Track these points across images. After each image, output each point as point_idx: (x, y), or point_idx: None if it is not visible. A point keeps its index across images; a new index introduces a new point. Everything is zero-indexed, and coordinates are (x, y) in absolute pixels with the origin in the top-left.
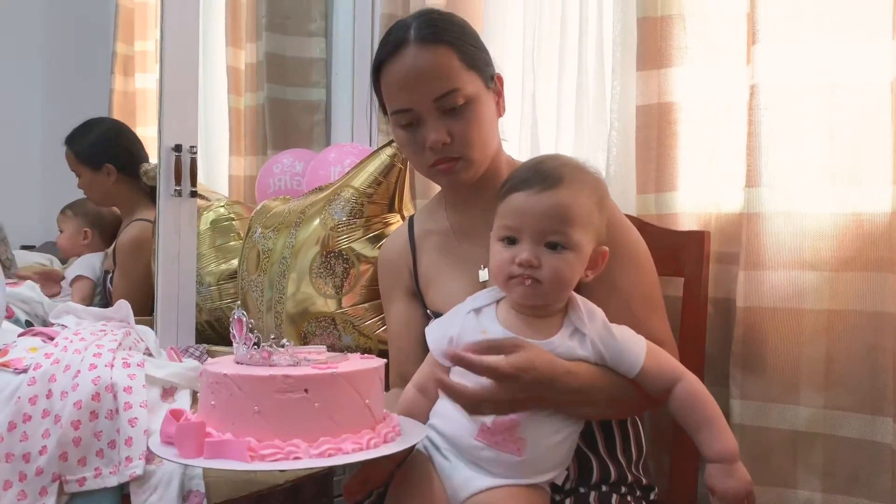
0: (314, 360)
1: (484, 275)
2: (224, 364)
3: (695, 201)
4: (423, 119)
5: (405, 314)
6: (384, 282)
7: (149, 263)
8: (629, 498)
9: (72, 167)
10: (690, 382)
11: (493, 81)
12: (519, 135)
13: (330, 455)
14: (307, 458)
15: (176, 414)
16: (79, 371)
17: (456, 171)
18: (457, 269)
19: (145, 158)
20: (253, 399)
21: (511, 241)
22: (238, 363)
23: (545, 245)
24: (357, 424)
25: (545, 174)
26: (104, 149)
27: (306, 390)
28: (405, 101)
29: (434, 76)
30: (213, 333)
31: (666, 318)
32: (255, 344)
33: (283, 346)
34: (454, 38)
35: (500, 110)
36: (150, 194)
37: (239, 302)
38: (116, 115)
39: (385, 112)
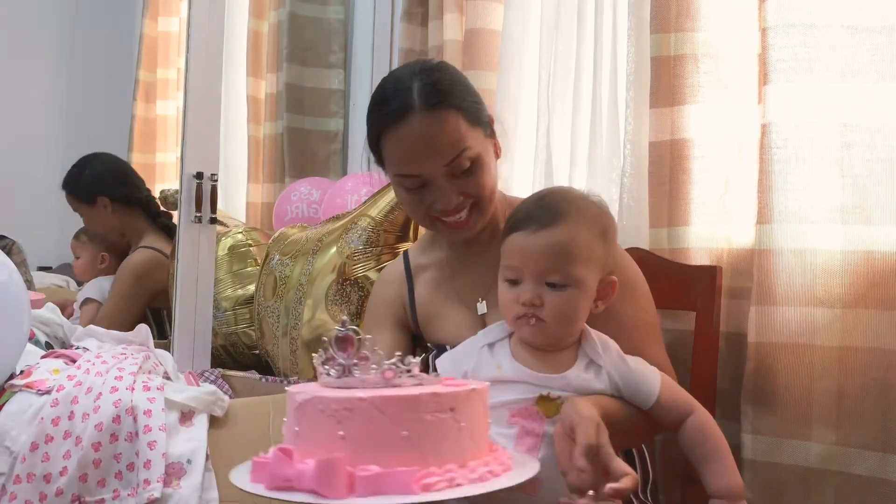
0: (423, 378)
1: (482, 307)
2: (328, 389)
3: (707, 236)
4: (432, 183)
5: (393, 344)
6: (375, 307)
7: (146, 290)
8: None
9: (73, 208)
10: (702, 415)
11: (489, 127)
12: (533, 169)
13: (484, 480)
14: (467, 483)
15: (286, 453)
16: (100, 393)
17: (469, 226)
18: (455, 303)
19: (142, 187)
20: (400, 423)
21: (515, 281)
22: (342, 387)
23: (547, 284)
24: (485, 445)
25: (543, 211)
26: (96, 183)
27: (452, 409)
28: (414, 169)
29: (444, 143)
30: (227, 358)
31: (663, 346)
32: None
33: (407, 365)
34: (458, 98)
35: (497, 152)
36: (154, 222)
37: (345, 318)
38: (137, 141)
39: (380, 164)
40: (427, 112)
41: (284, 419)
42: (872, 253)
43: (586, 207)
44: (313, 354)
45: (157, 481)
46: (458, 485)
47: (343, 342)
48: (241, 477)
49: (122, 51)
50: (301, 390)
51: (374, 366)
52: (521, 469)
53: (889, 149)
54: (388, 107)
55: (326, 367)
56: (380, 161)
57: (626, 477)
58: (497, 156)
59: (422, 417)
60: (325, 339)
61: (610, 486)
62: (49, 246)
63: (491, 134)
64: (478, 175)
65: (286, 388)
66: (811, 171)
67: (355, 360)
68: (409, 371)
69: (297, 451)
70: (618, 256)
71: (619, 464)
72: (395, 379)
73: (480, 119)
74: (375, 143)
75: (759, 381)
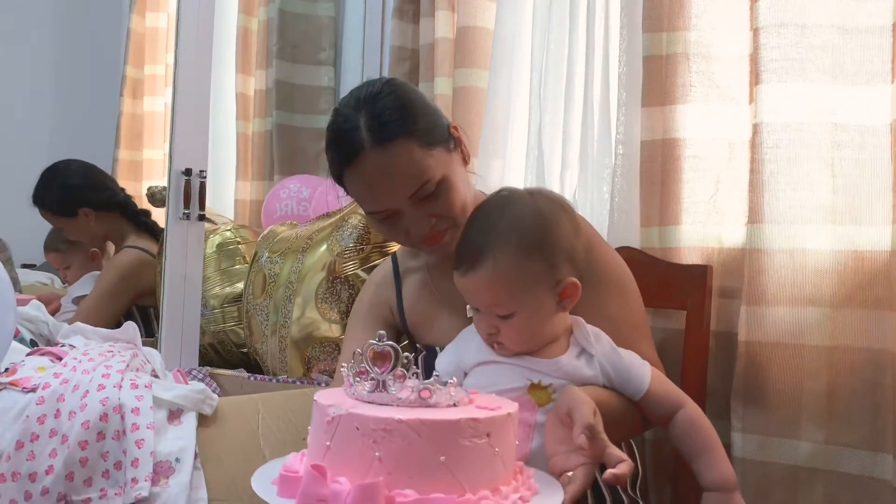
0: (458, 397)
1: (471, 310)
2: (365, 407)
3: (698, 236)
4: (401, 212)
5: None
6: (362, 308)
7: (129, 289)
8: None
9: (51, 222)
10: (692, 409)
11: (451, 139)
12: (525, 167)
13: None
14: None
15: (319, 470)
16: (87, 391)
17: (445, 242)
18: (444, 307)
19: (117, 189)
20: (438, 448)
21: (475, 308)
22: (374, 402)
23: (496, 315)
24: (514, 469)
25: (467, 250)
26: (74, 194)
27: (489, 434)
28: (378, 205)
29: (402, 176)
30: (215, 356)
31: (652, 342)
32: (407, 378)
33: (445, 385)
34: (409, 124)
35: (465, 160)
36: (136, 223)
37: (383, 332)
38: (124, 138)
39: (351, 197)
40: (378, 149)
41: (310, 427)
42: (862, 253)
43: (514, 226)
44: (343, 364)
45: (145, 480)
46: None
47: (380, 357)
48: (267, 490)
49: (109, 47)
50: (333, 403)
51: (410, 384)
52: (547, 492)
53: (879, 149)
54: (341, 148)
55: (359, 379)
56: (349, 194)
57: (623, 463)
58: (466, 163)
59: (459, 443)
60: (359, 350)
61: (610, 471)
62: (32, 243)
63: (455, 146)
64: (446, 196)
65: (315, 398)
66: (802, 172)
67: (391, 377)
68: (446, 388)
69: (328, 468)
70: (604, 254)
71: (614, 450)
72: (432, 398)
73: (438, 137)
74: (339, 181)
75: (750, 381)
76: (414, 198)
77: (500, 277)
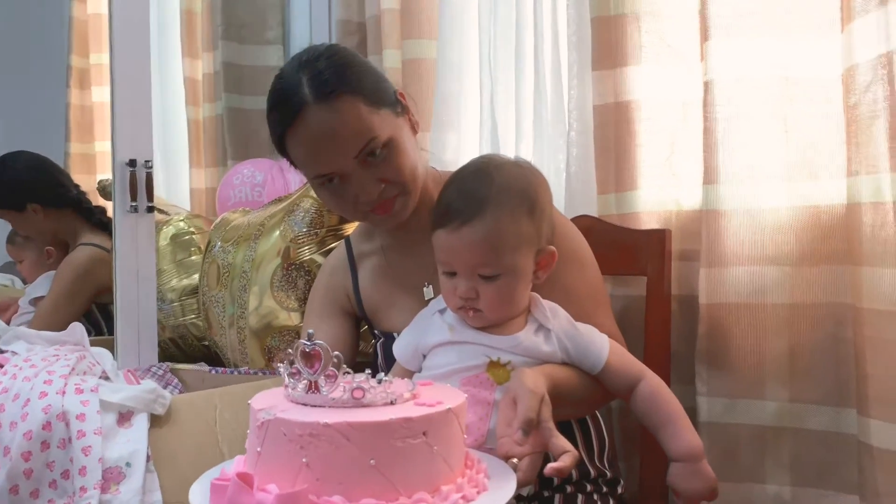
0: (396, 393)
1: (429, 292)
2: (296, 410)
3: (655, 200)
4: (348, 176)
5: (337, 333)
6: (318, 297)
7: (87, 288)
8: (595, 497)
9: None
10: (652, 381)
11: (399, 104)
12: (479, 139)
13: None
14: None
15: (246, 479)
16: (28, 400)
17: (396, 210)
18: (401, 290)
19: (70, 186)
20: (367, 451)
21: (451, 273)
22: (308, 404)
23: (480, 276)
24: (461, 465)
25: (463, 203)
26: (22, 188)
27: (425, 433)
28: (323, 167)
29: (347, 134)
30: (176, 351)
31: (611, 313)
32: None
33: (380, 382)
34: (352, 82)
35: (414, 128)
36: (88, 219)
37: (311, 331)
38: (73, 130)
39: (295, 167)
40: (321, 104)
41: (248, 431)
42: (818, 208)
43: (508, 186)
44: (279, 364)
45: (94, 488)
46: None
47: (310, 358)
48: (202, 500)
49: (51, 36)
50: (264, 406)
51: (342, 384)
52: (496, 489)
53: (831, 102)
54: (281, 108)
55: (293, 380)
56: (292, 164)
57: (566, 454)
58: (414, 132)
59: (391, 444)
60: (290, 350)
61: (551, 465)
62: None
63: (402, 111)
64: (394, 159)
65: (249, 403)
66: (755, 128)
67: (322, 378)
68: (381, 386)
69: (258, 475)
70: (561, 226)
71: (560, 441)
72: (366, 397)
73: (384, 99)
74: (281, 147)
75: (712, 343)
76: (360, 157)
77: (497, 232)
